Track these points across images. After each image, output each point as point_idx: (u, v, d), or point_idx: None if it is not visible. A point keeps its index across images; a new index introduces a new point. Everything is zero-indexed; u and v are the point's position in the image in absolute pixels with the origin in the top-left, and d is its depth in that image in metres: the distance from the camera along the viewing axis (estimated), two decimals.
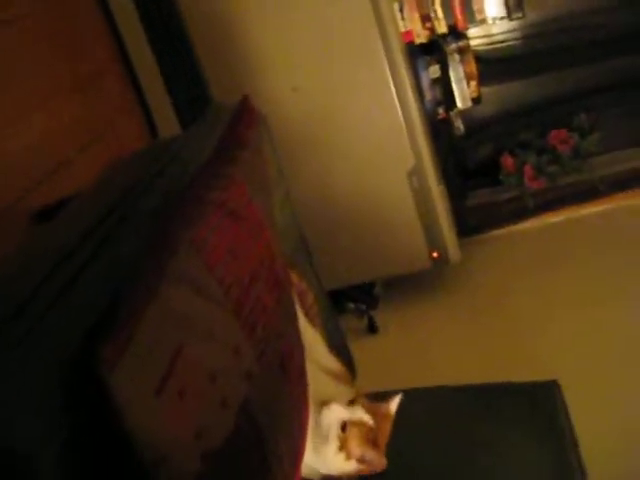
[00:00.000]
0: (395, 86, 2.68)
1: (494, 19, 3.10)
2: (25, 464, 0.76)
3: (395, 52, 2.65)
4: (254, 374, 1.06)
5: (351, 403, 1.31)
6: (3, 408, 0.77)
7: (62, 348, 0.84)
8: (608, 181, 3.41)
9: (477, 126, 3.48)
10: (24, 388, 0.79)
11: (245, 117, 1.48)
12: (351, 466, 1.28)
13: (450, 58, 2.99)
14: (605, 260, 2.90)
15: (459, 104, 3.08)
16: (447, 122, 3.12)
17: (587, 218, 3.35)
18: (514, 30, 3.41)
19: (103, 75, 2.67)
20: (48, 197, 2.01)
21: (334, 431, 1.28)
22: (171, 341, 0.90)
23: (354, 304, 3.13)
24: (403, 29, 2.73)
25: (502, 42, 3.44)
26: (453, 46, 3.00)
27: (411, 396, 1.64)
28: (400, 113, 2.71)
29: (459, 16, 2.97)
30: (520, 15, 3.09)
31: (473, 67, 3.05)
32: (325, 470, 1.32)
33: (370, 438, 1.29)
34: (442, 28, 2.90)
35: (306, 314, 1.53)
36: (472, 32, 3.29)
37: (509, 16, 3.12)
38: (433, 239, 2.87)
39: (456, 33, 3.02)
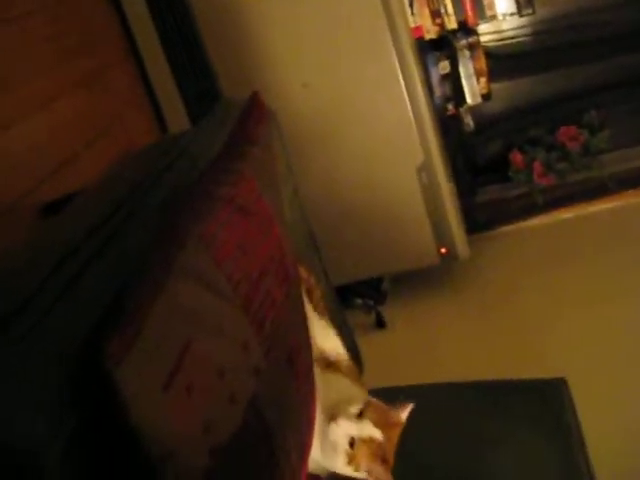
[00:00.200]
0: (405, 82, 2.67)
1: (504, 15, 3.09)
2: (31, 460, 0.76)
3: (405, 48, 2.65)
4: (262, 369, 1.06)
5: (360, 416, 1.27)
6: (8, 404, 0.77)
7: (68, 343, 0.84)
8: (617, 178, 3.39)
9: (487, 122, 3.48)
10: (29, 383, 0.79)
11: (255, 113, 1.48)
12: (361, 475, 1.28)
13: (460, 54, 2.98)
14: (614, 257, 2.90)
15: (469, 100, 3.07)
16: (457, 118, 3.12)
17: (596, 215, 3.34)
18: (524, 26, 3.40)
19: (112, 69, 2.68)
20: (56, 191, 2.02)
21: (342, 447, 1.26)
22: (179, 336, 0.90)
23: (362, 299, 3.13)
24: (413, 24, 2.73)
25: (512, 38, 3.43)
26: (463, 42, 2.99)
27: (418, 392, 1.64)
28: (410, 109, 2.71)
29: (469, 12, 2.96)
30: (530, 11, 3.07)
31: (483, 63, 3.04)
32: (334, 470, 1.32)
33: (379, 454, 1.26)
34: (452, 24, 2.89)
35: (314, 308, 1.53)
36: (482, 28, 3.28)
37: (519, 12, 3.10)
38: (442, 235, 2.87)
39: (466, 29, 3.01)
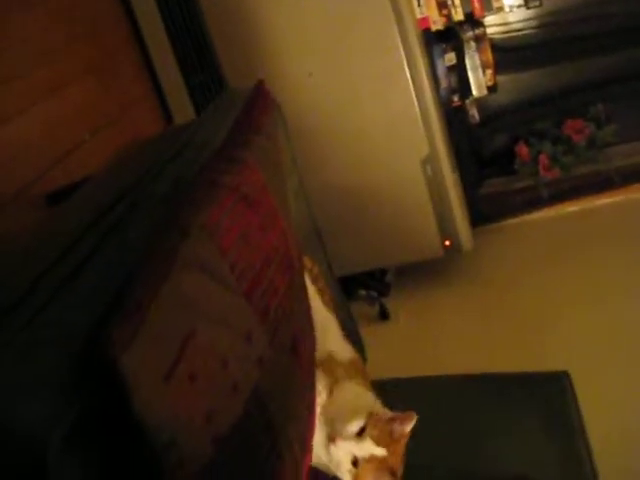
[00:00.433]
0: (410, 73, 2.67)
1: (511, 7, 3.07)
2: (33, 445, 0.76)
3: (411, 39, 2.64)
4: (265, 359, 1.07)
5: (361, 434, 1.25)
6: (12, 389, 0.77)
7: (73, 330, 0.84)
8: (623, 172, 3.38)
9: (492, 115, 3.46)
10: (33, 370, 0.79)
11: (259, 103, 1.48)
12: None
13: (466, 46, 2.97)
14: (619, 251, 2.89)
15: (475, 92, 3.06)
16: (462, 110, 3.11)
17: (601, 209, 3.33)
18: (531, 19, 3.38)
19: (118, 59, 2.68)
20: (61, 180, 2.02)
21: (345, 466, 1.26)
22: (183, 325, 0.90)
23: (366, 291, 3.13)
24: (419, 16, 2.72)
25: (519, 31, 3.42)
26: (469, 34, 2.98)
27: (420, 384, 1.64)
28: (415, 100, 2.70)
29: (476, 4, 2.95)
30: (537, 3, 3.05)
31: (489, 55, 3.03)
32: None
33: (385, 468, 1.25)
34: (459, 15, 2.88)
35: (321, 298, 1.53)
36: (489, 20, 3.27)
37: (526, 4, 3.09)
38: (446, 227, 2.86)
39: (473, 21, 2.99)
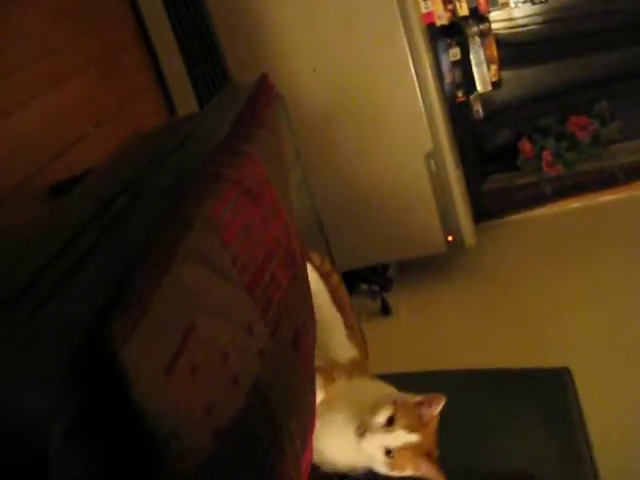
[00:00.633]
0: (415, 68, 2.66)
1: (516, 3, 3.08)
2: (35, 441, 0.76)
3: (416, 33, 2.63)
4: (266, 352, 1.06)
5: (390, 424, 1.25)
6: (14, 384, 0.77)
7: (74, 324, 0.84)
8: (627, 169, 3.38)
9: (496, 110, 3.46)
10: (34, 364, 0.79)
11: (263, 96, 1.47)
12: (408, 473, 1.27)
13: (471, 41, 2.96)
14: (622, 249, 2.89)
15: (479, 88, 3.06)
16: (466, 105, 3.10)
17: (605, 206, 3.33)
18: (536, 14, 3.38)
19: (122, 52, 2.67)
20: (64, 172, 2.02)
21: (379, 458, 1.25)
22: (184, 318, 0.90)
23: (368, 285, 3.13)
24: (424, 10, 2.72)
25: (524, 26, 3.41)
26: (474, 29, 2.97)
27: (421, 379, 1.64)
28: (419, 95, 2.70)
29: None
30: None
31: (494, 51, 3.02)
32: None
33: (421, 451, 1.25)
34: (464, 10, 2.88)
35: (333, 294, 1.52)
36: (494, 15, 3.26)
37: (532, 0, 3.09)
38: (449, 223, 2.86)
39: (478, 16, 2.99)
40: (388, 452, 1.24)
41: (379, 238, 2.95)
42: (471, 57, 2.99)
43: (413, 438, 1.24)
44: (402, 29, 2.62)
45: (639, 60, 3.38)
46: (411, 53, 2.65)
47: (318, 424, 1.30)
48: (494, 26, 3.18)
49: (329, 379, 1.36)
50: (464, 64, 2.95)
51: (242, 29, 2.75)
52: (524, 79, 3.48)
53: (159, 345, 0.85)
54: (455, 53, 2.89)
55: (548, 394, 1.71)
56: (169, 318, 0.87)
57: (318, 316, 1.38)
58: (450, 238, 2.88)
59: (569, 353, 2.16)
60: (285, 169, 1.40)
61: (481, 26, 2.99)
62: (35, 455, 0.76)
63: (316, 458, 1.32)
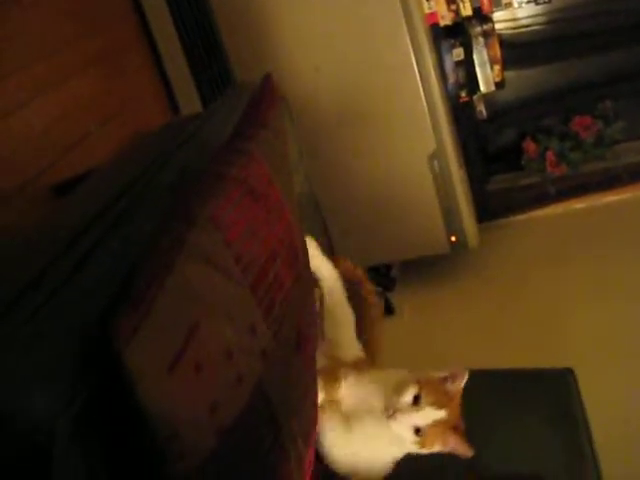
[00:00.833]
0: (418, 68, 2.66)
1: (520, 3, 3.07)
2: (39, 439, 0.77)
3: (419, 34, 2.63)
4: (269, 352, 1.06)
5: (417, 403, 1.27)
6: (17, 383, 0.77)
7: (76, 324, 0.84)
8: (631, 169, 3.37)
9: (500, 110, 3.46)
10: (37, 363, 0.79)
11: (266, 96, 1.47)
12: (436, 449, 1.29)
13: (474, 41, 2.96)
14: (625, 249, 2.88)
15: (482, 88, 3.05)
16: (470, 106, 3.10)
17: (609, 206, 3.32)
18: (539, 15, 3.37)
19: (126, 51, 2.67)
20: (68, 171, 2.02)
21: (409, 438, 1.27)
22: (187, 317, 0.90)
23: None
24: (428, 10, 2.72)
25: (527, 26, 3.41)
26: (478, 29, 2.97)
27: None
28: (423, 95, 2.69)
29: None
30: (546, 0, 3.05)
31: (497, 51, 3.02)
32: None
33: (449, 426, 1.26)
34: (467, 11, 2.88)
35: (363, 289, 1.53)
36: (497, 15, 3.26)
37: (535, 0, 3.08)
38: (452, 223, 2.86)
39: (481, 16, 2.99)
40: (417, 431, 1.25)
41: (382, 238, 2.95)
42: (474, 57, 2.99)
43: (441, 414, 1.25)
44: (405, 29, 2.61)
45: None
46: (414, 53, 2.64)
47: (346, 432, 1.32)
48: (497, 26, 3.18)
49: (331, 380, 1.37)
50: (467, 64, 2.95)
51: (245, 29, 2.75)
52: (527, 79, 3.48)
53: (163, 344, 0.85)
54: (458, 53, 2.89)
55: (551, 394, 1.71)
56: (173, 317, 0.87)
57: (330, 313, 1.38)
58: (453, 238, 2.88)
59: (573, 353, 2.16)
60: (288, 170, 1.40)
61: (484, 26, 2.98)
62: (39, 453, 0.76)
63: (350, 468, 1.34)
